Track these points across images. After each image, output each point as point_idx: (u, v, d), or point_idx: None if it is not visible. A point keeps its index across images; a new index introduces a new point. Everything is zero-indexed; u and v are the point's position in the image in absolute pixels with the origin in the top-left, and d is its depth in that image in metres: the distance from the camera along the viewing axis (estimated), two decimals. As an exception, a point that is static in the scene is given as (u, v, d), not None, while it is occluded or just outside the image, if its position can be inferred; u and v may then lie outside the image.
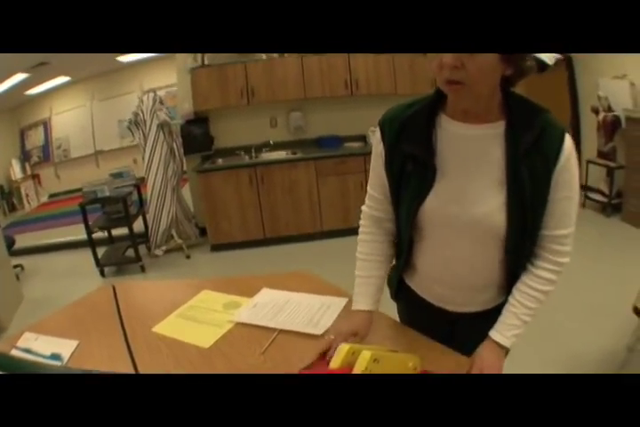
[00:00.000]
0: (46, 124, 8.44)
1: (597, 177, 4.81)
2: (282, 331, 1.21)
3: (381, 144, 1.01)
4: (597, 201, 4.73)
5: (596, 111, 4.95)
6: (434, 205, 0.95)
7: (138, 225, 4.39)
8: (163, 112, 4.39)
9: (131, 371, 1.12)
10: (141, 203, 4.62)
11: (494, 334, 1.00)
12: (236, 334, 1.24)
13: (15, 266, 4.28)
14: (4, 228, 4.98)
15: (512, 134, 0.88)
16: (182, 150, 4.51)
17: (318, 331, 1.17)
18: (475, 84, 0.81)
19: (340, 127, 4.73)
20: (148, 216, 4.54)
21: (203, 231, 4.65)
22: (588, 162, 4.90)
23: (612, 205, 4.56)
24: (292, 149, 4.66)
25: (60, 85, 7.68)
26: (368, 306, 1.09)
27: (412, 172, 0.96)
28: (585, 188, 4.92)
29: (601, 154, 4.86)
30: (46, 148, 8.57)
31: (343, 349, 0.83)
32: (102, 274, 4.16)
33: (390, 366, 0.85)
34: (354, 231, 1.21)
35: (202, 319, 1.34)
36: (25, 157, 8.57)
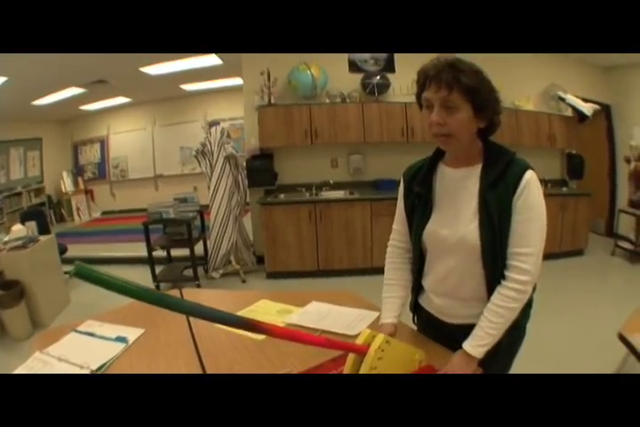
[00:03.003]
0: (103, 142, 8.58)
1: (628, 226, 4.98)
2: (324, 331, 1.44)
3: (402, 188, 1.36)
4: (626, 249, 4.89)
5: (628, 160, 5.13)
6: (431, 230, 1.24)
7: (197, 249, 4.60)
8: (230, 145, 4.71)
9: (193, 353, 1.33)
10: (203, 228, 4.89)
11: (465, 343, 1.18)
12: (285, 332, 1.48)
13: (65, 272, 4.40)
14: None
15: (485, 172, 1.16)
16: (246, 182, 4.79)
17: (353, 332, 1.42)
18: (457, 134, 1.11)
19: (397, 171, 4.80)
20: (208, 241, 4.82)
21: (259, 259, 4.91)
22: (620, 211, 5.11)
23: (638, 253, 4.74)
24: (350, 189, 4.94)
25: (119, 105, 7.80)
26: (392, 319, 1.34)
27: (418, 206, 1.27)
28: (615, 236, 5.15)
29: (632, 203, 5.02)
30: (102, 165, 8.70)
31: (366, 331, 1.05)
32: (158, 289, 4.40)
33: (399, 350, 1.08)
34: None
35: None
36: (78, 171, 8.72)
